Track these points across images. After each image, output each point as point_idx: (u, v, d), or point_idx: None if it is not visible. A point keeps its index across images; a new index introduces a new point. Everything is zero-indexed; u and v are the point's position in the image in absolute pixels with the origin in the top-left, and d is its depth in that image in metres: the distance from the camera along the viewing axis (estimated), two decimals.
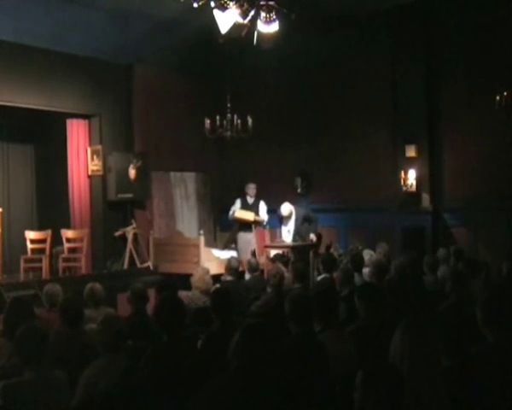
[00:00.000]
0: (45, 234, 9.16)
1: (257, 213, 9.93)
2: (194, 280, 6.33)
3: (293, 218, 9.40)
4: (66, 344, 4.15)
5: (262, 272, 8.18)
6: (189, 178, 11.79)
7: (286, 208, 9.34)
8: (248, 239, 9.85)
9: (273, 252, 9.21)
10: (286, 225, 9.46)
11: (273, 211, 10.14)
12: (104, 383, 3.34)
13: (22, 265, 8.74)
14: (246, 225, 9.93)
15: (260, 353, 2.89)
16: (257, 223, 9.89)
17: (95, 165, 10.07)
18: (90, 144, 10.17)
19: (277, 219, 9.60)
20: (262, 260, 9.14)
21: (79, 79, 9.70)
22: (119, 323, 3.86)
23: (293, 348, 3.48)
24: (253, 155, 11.25)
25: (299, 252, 9.01)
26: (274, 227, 9.90)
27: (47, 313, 5.33)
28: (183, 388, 3.37)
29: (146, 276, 8.97)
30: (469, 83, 9.25)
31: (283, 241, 9.35)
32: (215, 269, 8.49)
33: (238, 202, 10.02)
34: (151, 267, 9.79)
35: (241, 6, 5.46)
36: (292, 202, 9.97)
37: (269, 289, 6.36)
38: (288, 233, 9.44)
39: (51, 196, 10.87)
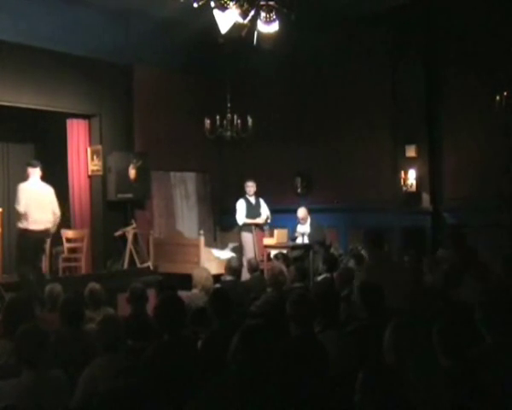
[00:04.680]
0: None
1: (259, 211, 9.99)
2: (200, 279, 6.32)
3: (309, 222, 9.74)
4: (66, 344, 4.15)
5: (262, 271, 8.19)
6: (189, 178, 11.80)
7: (302, 211, 9.76)
8: (250, 238, 9.87)
9: (273, 252, 9.22)
10: (303, 224, 9.73)
11: (273, 211, 10.17)
12: (104, 383, 3.34)
13: None
14: (248, 225, 9.95)
15: (260, 354, 2.88)
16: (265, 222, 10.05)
17: (95, 165, 10.08)
18: (90, 144, 10.18)
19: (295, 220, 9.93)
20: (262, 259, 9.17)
21: (79, 79, 9.70)
22: (118, 323, 3.86)
23: (293, 349, 3.48)
24: (253, 155, 11.26)
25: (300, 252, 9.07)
26: (276, 227, 9.90)
27: (48, 314, 5.33)
28: (183, 388, 3.36)
29: (146, 276, 8.97)
30: (469, 83, 9.24)
31: (298, 234, 9.69)
32: (215, 269, 8.51)
33: (243, 205, 9.92)
34: (151, 267, 9.79)
35: (241, 6, 5.46)
36: (292, 202, 10.00)
37: (269, 289, 6.36)
38: (303, 233, 9.71)
39: None
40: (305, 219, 9.74)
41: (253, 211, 9.98)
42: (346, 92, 10.49)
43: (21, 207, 7.70)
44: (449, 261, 6.73)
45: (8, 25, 8.38)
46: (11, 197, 10.66)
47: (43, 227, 7.82)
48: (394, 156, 10.02)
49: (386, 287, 4.70)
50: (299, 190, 11.18)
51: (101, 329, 3.79)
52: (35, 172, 7.92)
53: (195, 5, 5.55)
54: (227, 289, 5.05)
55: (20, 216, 7.76)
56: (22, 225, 7.74)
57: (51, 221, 7.93)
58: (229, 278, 7.14)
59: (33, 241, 7.81)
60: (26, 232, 7.73)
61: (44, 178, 11.14)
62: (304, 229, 9.69)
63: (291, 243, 9.46)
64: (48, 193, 8.02)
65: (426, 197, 9.73)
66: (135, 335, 4.43)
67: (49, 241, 9.07)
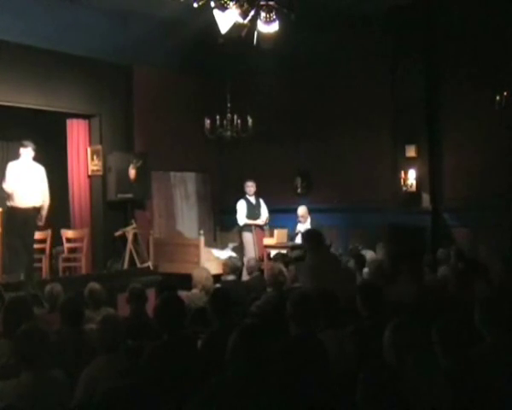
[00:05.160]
0: (45, 234, 9.15)
1: (259, 211, 10.02)
2: (200, 279, 6.32)
3: (309, 221, 9.82)
4: (66, 344, 4.14)
5: (262, 272, 8.18)
6: (189, 178, 11.79)
7: (302, 209, 9.86)
8: (250, 238, 9.89)
9: (273, 252, 9.22)
10: (303, 223, 9.78)
11: (273, 211, 10.18)
12: (104, 382, 3.34)
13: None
14: (248, 225, 9.98)
15: (258, 353, 2.89)
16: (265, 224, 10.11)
17: (95, 165, 10.08)
18: (90, 144, 10.18)
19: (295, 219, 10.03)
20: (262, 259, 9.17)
21: (79, 79, 9.70)
22: (118, 323, 3.86)
23: (293, 348, 3.48)
24: (253, 154, 11.25)
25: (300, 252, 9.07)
26: (276, 227, 9.91)
27: (48, 314, 5.33)
28: (183, 388, 3.36)
29: (146, 276, 8.97)
30: (469, 83, 9.24)
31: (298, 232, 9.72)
32: (215, 269, 8.50)
33: (243, 205, 9.98)
34: (151, 267, 9.79)
35: (241, 6, 5.46)
36: (292, 202, 10.01)
37: (269, 289, 6.36)
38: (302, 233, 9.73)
39: (51, 195, 10.84)
40: (304, 217, 9.78)
41: (253, 211, 10.01)
42: (345, 92, 10.49)
43: (7, 186, 7.88)
44: (385, 260, 6.73)
45: (8, 25, 8.37)
46: None
47: (30, 205, 7.93)
48: (394, 156, 10.02)
49: (330, 284, 4.87)
50: (299, 190, 11.17)
51: (101, 329, 3.79)
52: (26, 152, 8.07)
53: (195, 5, 5.54)
54: (227, 289, 5.05)
55: (7, 195, 7.93)
56: (9, 203, 7.92)
57: (39, 201, 8.02)
58: (229, 277, 7.14)
59: (21, 219, 7.93)
60: (14, 210, 7.89)
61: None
62: (304, 227, 9.71)
63: (291, 243, 9.46)
64: (38, 172, 8.14)
65: (426, 197, 9.73)
66: (135, 335, 4.43)
67: (49, 241, 9.09)
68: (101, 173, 10.02)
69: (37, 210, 8.02)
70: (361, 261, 6.99)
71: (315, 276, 5.55)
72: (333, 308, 4.20)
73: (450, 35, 9.54)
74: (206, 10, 5.57)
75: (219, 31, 5.66)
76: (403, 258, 6.16)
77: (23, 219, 7.94)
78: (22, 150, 8.06)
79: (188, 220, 11.63)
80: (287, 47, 7.80)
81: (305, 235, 6.17)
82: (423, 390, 2.88)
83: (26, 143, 8.15)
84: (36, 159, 8.53)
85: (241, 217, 9.91)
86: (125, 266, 9.70)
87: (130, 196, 10.03)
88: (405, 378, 2.74)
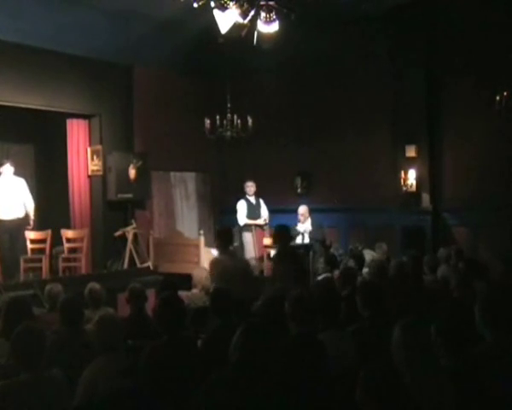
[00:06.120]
0: (45, 234, 9.16)
1: (259, 211, 10.02)
2: (200, 279, 6.32)
3: (309, 221, 9.71)
4: (65, 344, 4.14)
5: (262, 271, 8.18)
6: (189, 178, 11.80)
7: (302, 208, 9.75)
8: (250, 238, 9.89)
9: (273, 252, 9.22)
10: (303, 222, 9.69)
11: (273, 211, 10.17)
12: (104, 382, 3.34)
13: (22, 265, 8.74)
14: (248, 225, 9.98)
15: (261, 350, 2.89)
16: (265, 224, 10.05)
17: (95, 165, 10.08)
18: (90, 144, 10.18)
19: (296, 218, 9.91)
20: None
21: (79, 79, 9.70)
22: (115, 322, 3.85)
23: (292, 348, 3.47)
24: (253, 155, 11.26)
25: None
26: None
27: (48, 314, 5.33)
28: (183, 388, 3.36)
29: (146, 276, 8.97)
30: (469, 83, 9.24)
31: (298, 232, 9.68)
32: None
33: (244, 205, 9.98)
34: (151, 267, 9.79)
35: (241, 6, 5.45)
36: (292, 202, 9.99)
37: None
38: (303, 232, 9.70)
39: (51, 195, 10.87)
40: (304, 216, 9.74)
41: (253, 211, 10.01)
42: (345, 92, 10.49)
43: None
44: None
45: (8, 25, 8.38)
46: None
47: (14, 217, 8.58)
48: (394, 156, 10.02)
49: (237, 279, 5.16)
50: (299, 190, 11.18)
51: (98, 329, 3.78)
52: (5, 169, 8.72)
53: (195, 5, 5.54)
54: (227, 289, 5.05)
55: None
56: None
57: (22, 212, 8.64)
58: None
59: (7, 230, 8.57)
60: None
61: (45, 178, 11.23)
62: (304, 227, 9.69)
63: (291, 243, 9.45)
64: (19, 186, 8.79)
65: (426, 197, 9.73)
66: (135, 335, 4.43)
67: (49, 241, 9.10)
68: (101, 173, 10.02)
69: (21, 220, 8.64)
70: (360, 262, 6.98)
71: (218, 273, 5.75)
72: (333, 308, 4.20)
73: (451, 35, 9.54)
74: (206, 10, 5.57)
75: (219, 31, 5.66)
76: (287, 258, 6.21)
77: (9, 231, 8.58)
78: (2, 169, 8.67)
79: (188, 220, 11.64)
80: (287, 47, 7.81)
81: (217, 232, 6.30)
82: (426, 390, 2.88)
83: (2, 161, 8.82)
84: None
85: (241, 217, 9.92)
86: (125, 266, 9.70)
87: (130, 196, 10.03)
88: (411, 378, 2.74)
